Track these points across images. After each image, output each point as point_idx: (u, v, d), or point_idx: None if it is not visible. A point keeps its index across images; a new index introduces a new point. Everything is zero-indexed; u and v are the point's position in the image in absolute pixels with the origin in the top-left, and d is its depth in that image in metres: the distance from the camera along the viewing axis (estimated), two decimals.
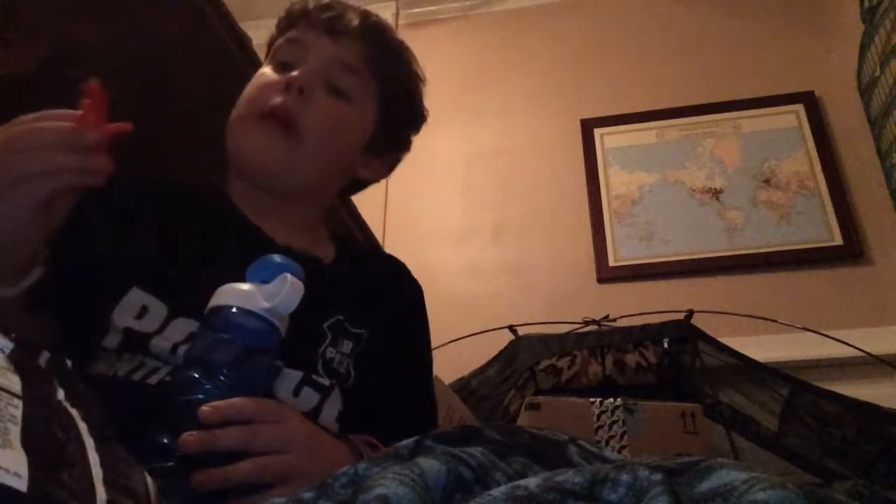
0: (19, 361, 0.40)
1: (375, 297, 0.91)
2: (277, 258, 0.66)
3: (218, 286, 0.65)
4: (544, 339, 1.95)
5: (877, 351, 1.93)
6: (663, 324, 1.89)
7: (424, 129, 1.00)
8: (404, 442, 0.46)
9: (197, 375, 0.61)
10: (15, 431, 0.35)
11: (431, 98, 0.99)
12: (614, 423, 1.52)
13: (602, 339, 1.93)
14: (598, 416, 1.53)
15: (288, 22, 0.93)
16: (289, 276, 0.64)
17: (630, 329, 1.92)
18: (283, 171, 0.84)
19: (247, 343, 0.62)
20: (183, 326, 0.72)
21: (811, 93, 2.61)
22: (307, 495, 0.41)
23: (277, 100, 0.83)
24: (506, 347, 1.99)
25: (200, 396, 0.59)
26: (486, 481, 0.39)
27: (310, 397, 0.75)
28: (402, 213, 2.64)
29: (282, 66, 0.87)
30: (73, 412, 0.41)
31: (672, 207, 2.53)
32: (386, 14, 2.97)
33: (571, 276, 2.49)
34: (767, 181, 2.51)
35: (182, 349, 0.70)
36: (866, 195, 2.42)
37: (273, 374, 0.72)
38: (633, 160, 2.65)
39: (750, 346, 1.88)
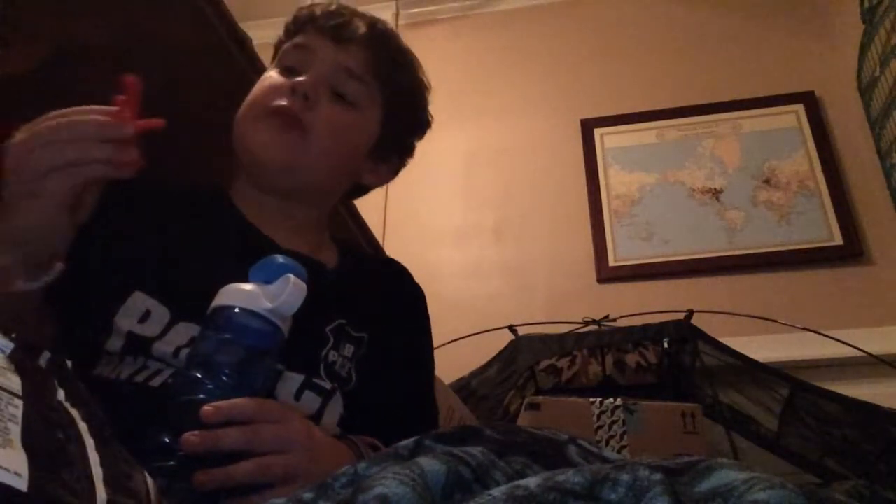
0: (19, 361, 0.40)
1: (377, 301, 0.91)
2: (280, 259, 0.66)
3: None
4: (544, 339, 1.95)
5: (877, 351, 1.93)
6: (663, 324, 1.89)
7: None
8: (404, 442, 0.46)
9: (199, 375, 0.61)
10: (15, 431, 0.35)
11: (431, 98, 0.99)
12: (614, 423, 1.52)
13: (602, 339, 1.93)
14: (598, 416, 1.53)
15: (295, 27, 0.93)
16: (291, 276, 0.64)
17: (630, 329, 1.92)
18: (290, 166, 0.84)
19: (249, 343, 0.62)
20: (185, 331, 0.72)
21: (811, 93, 2.61)
22: (307, 495, 0.41)
23: (283, 102, 0.83)
24: (506, 347, 1.99)
25: (202, 396, 0.59)
26: (486, 481, 0.39)
27: (311, 401, 0.75)
28: (402, 213, 2.64)
29: (288, 71, 0.88)
30: (73, 412, 0.41)
31: (672, 207, 2.53)
32: (386, 14, 2.97)
33: (571, 276, 2.48)
34: (767, 181, 2.51)
35: (184, 353, 0.70)
36: (866, 195, 2.41)
37: (275, 375, 0.72)
38: (633, 160, 2.65)
39: (750, 346, 1.88)
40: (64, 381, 0.42)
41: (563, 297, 2.41)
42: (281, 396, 0.73)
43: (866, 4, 2.33)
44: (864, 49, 2.35)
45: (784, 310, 2.12)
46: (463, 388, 1.87)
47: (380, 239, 1.51)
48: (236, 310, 0.62)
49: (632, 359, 1.90)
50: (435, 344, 0.99)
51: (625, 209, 2.56)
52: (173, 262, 0.78)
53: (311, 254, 0.87)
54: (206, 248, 0.82)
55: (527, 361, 1.92)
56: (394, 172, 0.99)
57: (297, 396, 0.75)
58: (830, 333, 1.94)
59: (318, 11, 0.92)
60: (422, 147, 1.03)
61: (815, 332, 1.94)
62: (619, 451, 1.46)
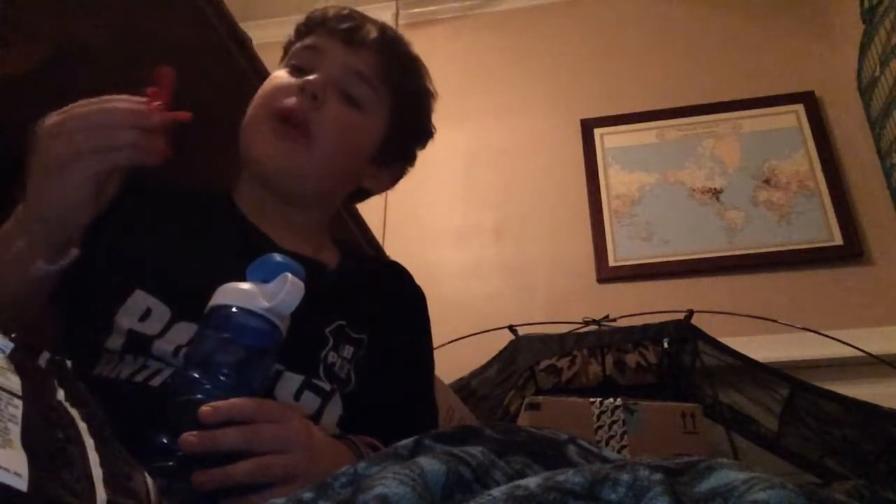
0: (19, 361, 0.40)
1: (377, 303, 0.91)
2: (278, 257, 0.66)
3: None
4: (544, 339, 1.95)
5: (877, 351, 1.93)
6: (663, 324, 1.89)
7: None
8: (404, 442, 0.46)
9: (197, 375, 0.60)
10: (15, 431, 0.35)
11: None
12: (614, 423, 1.52)
13: (602, 339, 1.93)
14: (598, 416, 1.53)
15: (307, 28, 0.94)
16: (289, 275, 0.63)
17: (630, 329, 1.92)
18: (294, 174, 0.85)
19: (247, 343, 0.62)
20: (186, 330, 0.72)
21: (811, 93, 2.61)
22: (307, 495, 0.41)
23: (291, 101, 0.84)
24: (506, 347, 1.99)
25: (200, 396, 0.59)
26: (486, 481, 0.39)
27: (310, 401, 0.76)
28: (402, 213, 2.63)
29: (297, 71, 0.88)
30: (73, 412, 0.41)
31: (672, 207, 2.53)
32: (386, 14, 2.97)
33: (571, 276, 2.48)
34: (767, 181, 2.51)
35: (184, 352, 0.70)
36: (866, 195, 2.41)
37: (274, 374, 0.72)
38: (633, 160, 2.65)
39: (750, 346, 1.88)
40: (64, 380, 0.42)
41: (563, 297, 2.41)
42: (280, 396, 0.73)
43: (866, 4, 2.33)
44: (864, 49, 2.35)
45: (784, 310, 2.12)
46: (463, 388, 1.87)
47: (380, 239, 1.51)
48: (234, 309, 0.62)
49: (632, 359, 1.90)
50: (435, 344, 0.99)
51: (625, 209, 2.56)
52: (174, 261, 0.79)
53: (312, 255, 0.87)
54: (207, 247, 0.82)
55: (527, 361, 1.92)
56: (394, 180, 1.00)
57: (297, 397, 0.75)
58: (830, 333, 1.94)
59: (329, 14, 0.92)
60: None
61: (815, 332, 1.94)
62: (619, 451, 1.46)
